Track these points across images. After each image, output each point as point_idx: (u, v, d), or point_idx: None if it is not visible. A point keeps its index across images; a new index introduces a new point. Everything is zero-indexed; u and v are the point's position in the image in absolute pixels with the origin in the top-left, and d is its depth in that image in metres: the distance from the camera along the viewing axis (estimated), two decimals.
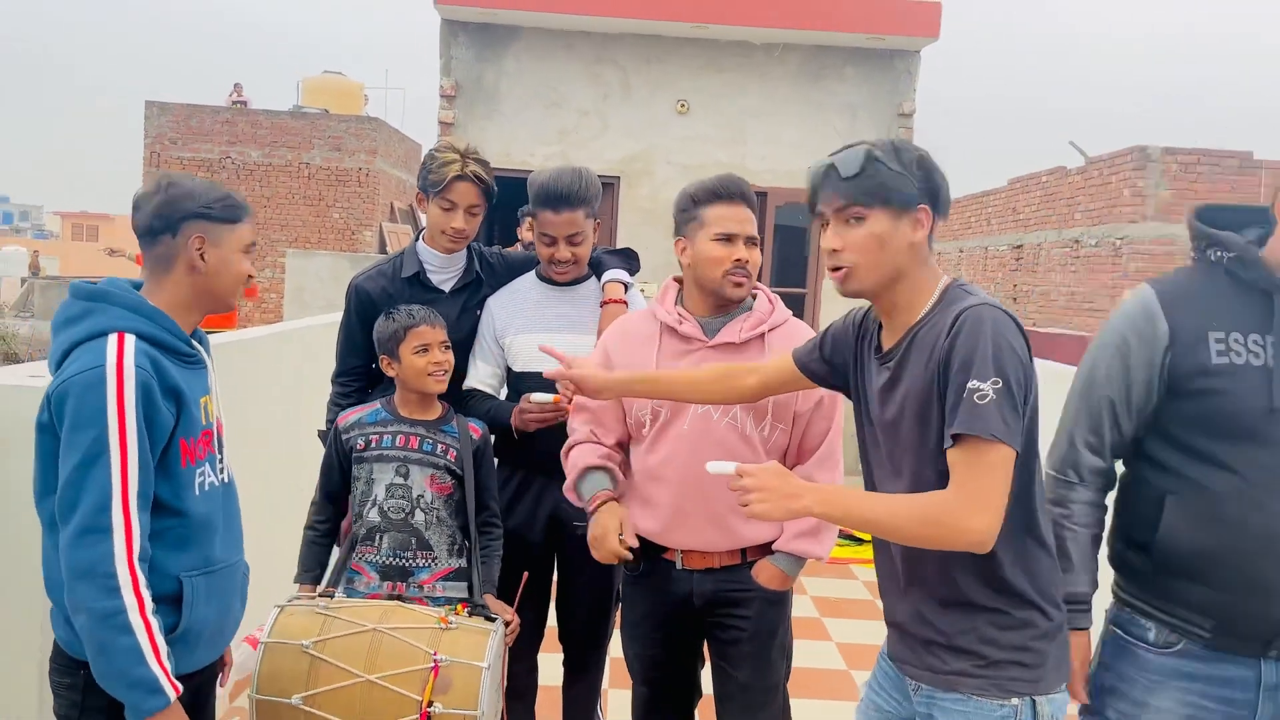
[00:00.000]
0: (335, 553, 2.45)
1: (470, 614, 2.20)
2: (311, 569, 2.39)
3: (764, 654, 2.28)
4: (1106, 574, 1.86)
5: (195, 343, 1.83)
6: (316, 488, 2.45)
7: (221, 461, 1.87)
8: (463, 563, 2.40)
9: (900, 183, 1.64)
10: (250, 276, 1.87)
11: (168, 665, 1.64)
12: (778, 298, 2.35)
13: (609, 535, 2.19)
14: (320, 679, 2.00)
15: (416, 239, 2.64)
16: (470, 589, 2.37)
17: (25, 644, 2.07)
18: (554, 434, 2.41)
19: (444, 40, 6.92)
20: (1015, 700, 1.63)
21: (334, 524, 2.45)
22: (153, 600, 1.64)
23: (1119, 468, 1.86)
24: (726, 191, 2.21)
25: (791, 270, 7.33)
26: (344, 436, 2.39)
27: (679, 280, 2.36)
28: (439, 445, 2.37)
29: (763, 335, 2.24)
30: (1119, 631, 1.82)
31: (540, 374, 2.51)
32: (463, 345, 2.60)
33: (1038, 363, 1.81)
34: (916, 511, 1.57)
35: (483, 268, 2.66)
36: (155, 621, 1.63)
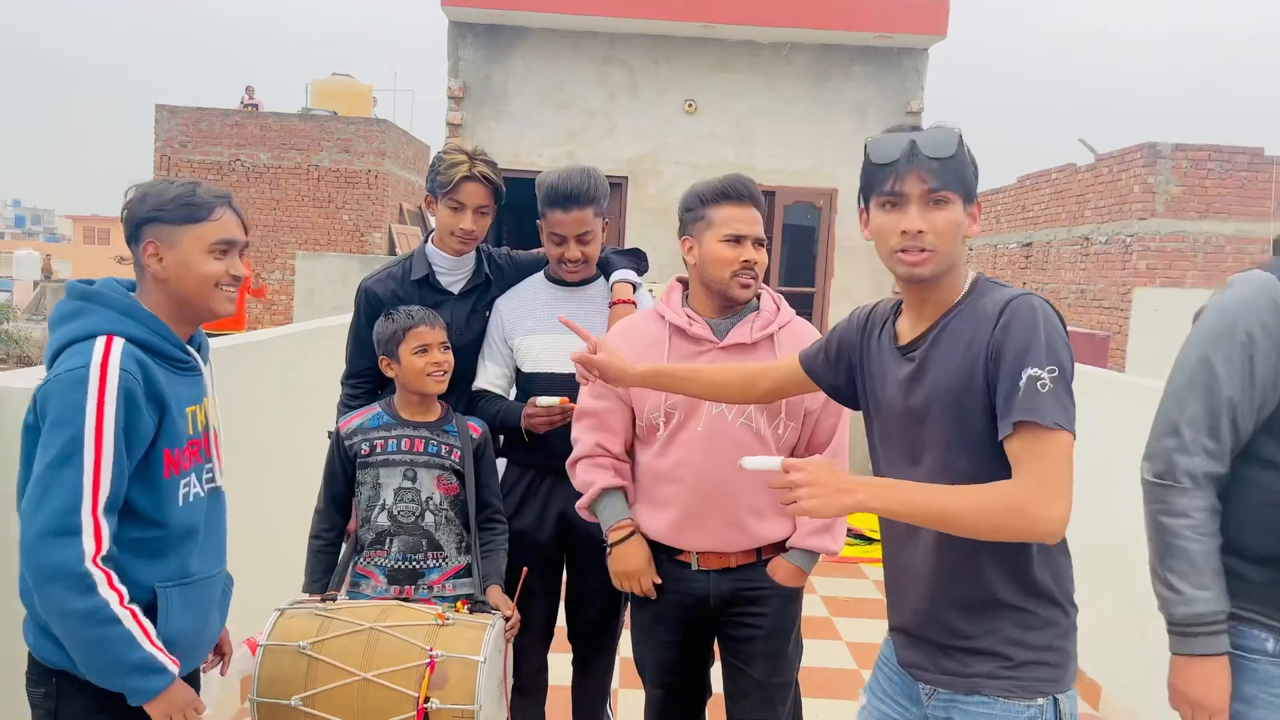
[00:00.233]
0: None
1: (470, 610, 2.20)
2: (319, 578, 2.39)
3: (779, 651, 2.29)
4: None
5: (192, 349, 1.79)
6: (319, 495, 2.44)
7: (212, 470, 1.84)
8: (471, 559, 2.40)
9: (973, 172, 1.63)
10: (235, 276, 1.77)
11: (160, 644, 1.63)
12: (781, 297, 2.35)
13: (643, 576, 2.24)
14: (318, 679, 2.01)
15: (425, 241, 2.65)
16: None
17: (11, 652, 2.02)
18: (563, 434, 2.41)
19: (452, 42, 6.93)
20: (1040, 700, 1.62)
21: (339, 531, 2.45)
22: None
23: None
24: (734, 192, 2.20)
25: (800, 270, 7.32)
26: (347, 442, 2.38)
27: (683, 280, 2.36)
28: (443, 446, 2.38)
29: (772, 335, 2.24)
30: (1230, 649, 1.68)
31: (550, 374, 2.52)
32: (472, 347, 2.61)
33: None
34: (991, 501, 1.52)
35: (491, 269, 2.67)
36: (137, 608, 1.62)
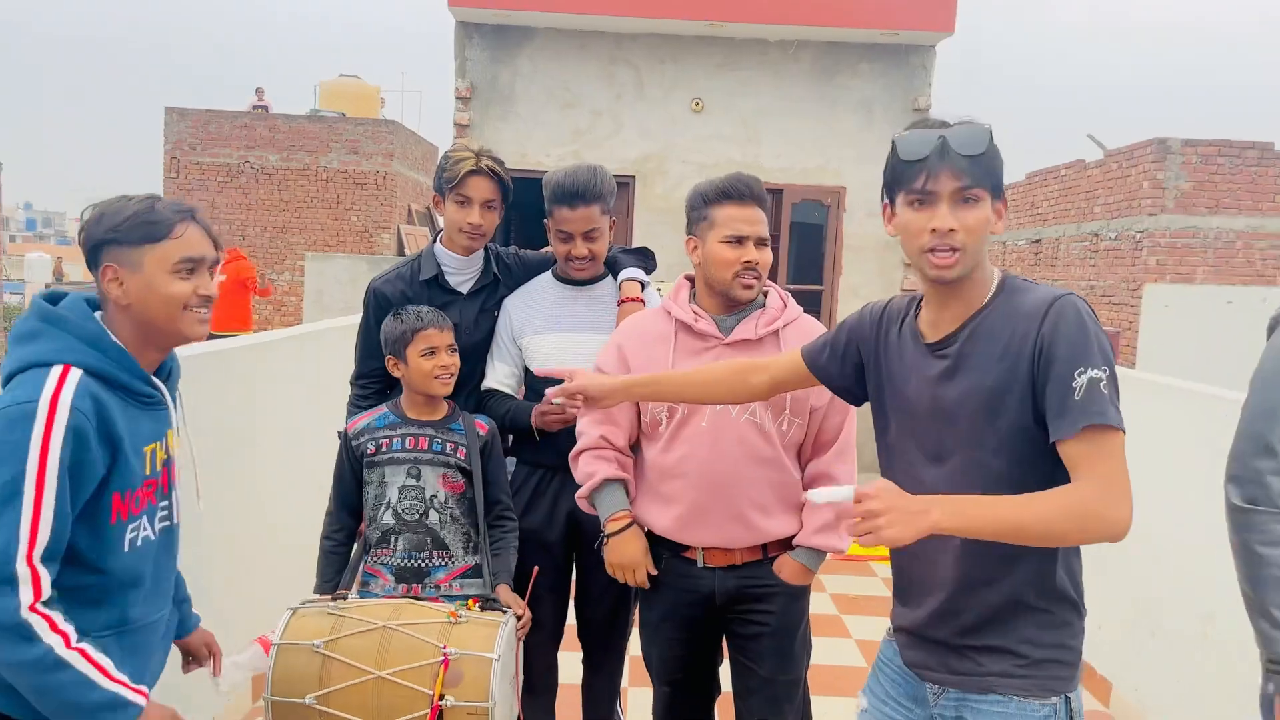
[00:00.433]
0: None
1: (482, 608, 2.21)
2: (331, 579, 2.40)
3: (787, 648, 2.29)
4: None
5: (159, 380, 1.67)
6: (330, 497, 2.46)
7: (169, 509, 1.75)
8: (479, 559, 2.41)
9: (1001, 168, 1.61)
10: (205, 296, 1.64)
11: (121, 676, 1.55)
12: (788, 294, 2.36)
13: (639, 568, 2.26)
14: (333, 678, 2.02)
15: (434, 241, 2.66)
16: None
17: None
18: (572, 433, 2.41)
19: (459, 42, 6.95)
20: (1054, 699, 1.62)
21: (350, 532, 2.45)
22: None
23: None
24: (737, 191, 2.20)
25: (808, 268, 7.31)
26: (354, 443, 2.40)
27: (690, 278, 2.37)
28: (448, 444, 2.38)
29: (777, 331, 2.24)
30: None
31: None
32: (481, 347, 2.62)
33: None
34: (1064, 507, 1.48)
35: (500, 269, 2.68)
36: (88, 645, 1.53)
